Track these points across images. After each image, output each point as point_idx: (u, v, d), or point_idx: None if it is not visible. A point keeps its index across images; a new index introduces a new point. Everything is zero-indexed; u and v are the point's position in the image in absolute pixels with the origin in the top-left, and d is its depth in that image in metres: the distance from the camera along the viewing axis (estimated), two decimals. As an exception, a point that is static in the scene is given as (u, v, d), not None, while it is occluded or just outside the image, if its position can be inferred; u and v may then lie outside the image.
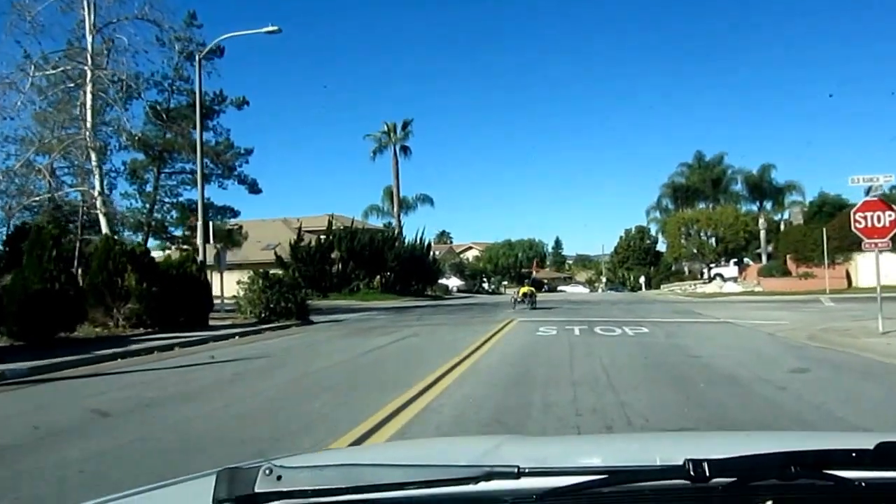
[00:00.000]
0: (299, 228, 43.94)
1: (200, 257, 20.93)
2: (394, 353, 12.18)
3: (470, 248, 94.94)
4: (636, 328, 16.80)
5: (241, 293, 22.62)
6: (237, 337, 17.29)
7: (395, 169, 52.26)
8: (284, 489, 1.05)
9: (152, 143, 26.76)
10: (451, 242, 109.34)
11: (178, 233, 28.62)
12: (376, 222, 54.46)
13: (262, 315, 21.64)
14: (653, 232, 79.19)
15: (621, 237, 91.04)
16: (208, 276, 22.15)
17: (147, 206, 26.71)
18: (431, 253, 51.21)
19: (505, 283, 74.49)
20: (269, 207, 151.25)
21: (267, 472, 1.06)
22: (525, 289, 28.04)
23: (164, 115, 25.74)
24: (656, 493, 1.13)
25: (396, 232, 49.02)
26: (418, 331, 17.49)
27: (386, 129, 53.03)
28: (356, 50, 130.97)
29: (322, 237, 44.09)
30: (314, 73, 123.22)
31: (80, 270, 20.39)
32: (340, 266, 43.89)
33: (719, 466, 1.08)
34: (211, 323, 20.77)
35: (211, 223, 22.71)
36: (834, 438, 2.15)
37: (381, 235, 45.18)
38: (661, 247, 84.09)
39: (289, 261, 42.62)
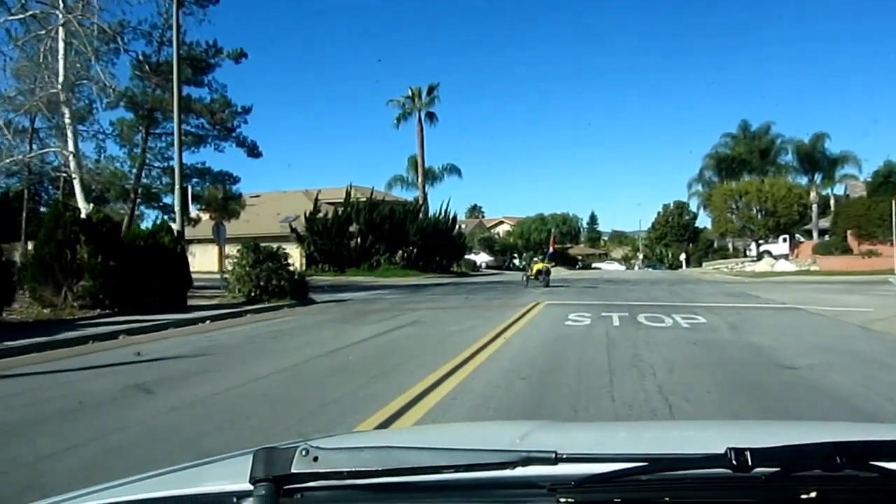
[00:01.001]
0: (316, 199, 41.27)
1: (177, 226, 18.14)
2: (371, 353, 9.28)
3: (501, 222, 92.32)
4: (689, 317, 13.72)
5: (230, 268, 19.96)
6: (208, 322, 14.67)
7: (419, 137, 49.38)
8: (321, 470, 1.06)
9: (139, 101, 24.04)
10: (483, 216, 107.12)
11: (170, 201, 25.95)
12: (402, 194, 51.87)
13: (252, 294, 19.01)
14: (693, 207, 75.30)
15: (659, 213, 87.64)
16: (190, 250, 19.55)
17: (135, 171, 24.03)
18: (457, 226, 48.35)
19: (536, 259, 71.25)
20: (292, 179, 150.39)
21: (304, 452, 1.06)
22: (539, 265, 26.55)
23: (152, 69, 22.93)
24: (697, 482, 1.13)
25: (420, 204, 45.99)
26: (423, 316, 14.67)
27: (410, 94, 50.03)
28: (381, 15, 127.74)
29: (340, 209, 41.37)
30: (347, 39, 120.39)
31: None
32: (359, 240, 41.47)
33: (762, 456, 1.07)
34: (192, 303, 18.44)
35: (189, 188, 19.87)
36: (883, 430, 2.06)
37: (403, 208, 42.37)
38: (701, 222, 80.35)
39: (305, 234, 40.13)
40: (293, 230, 39.83)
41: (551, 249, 32.37)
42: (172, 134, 25.09)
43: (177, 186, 18.79)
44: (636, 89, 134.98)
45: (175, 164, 19.27)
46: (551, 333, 11.17)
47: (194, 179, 25.46)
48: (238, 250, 20.04)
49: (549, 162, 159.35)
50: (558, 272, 58.75)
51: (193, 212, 25.70)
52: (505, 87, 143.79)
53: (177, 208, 18.62)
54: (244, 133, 25.41)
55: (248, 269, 19.33)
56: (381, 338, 11.09)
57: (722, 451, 1.07)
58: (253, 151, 25.34)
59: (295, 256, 42.76)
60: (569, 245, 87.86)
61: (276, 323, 14.30)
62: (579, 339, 10.26)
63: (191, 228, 32.32)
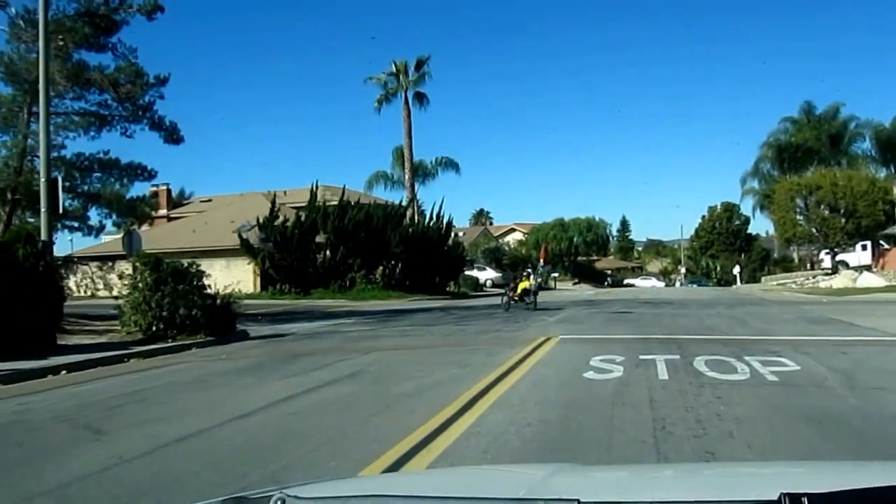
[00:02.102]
0: (273, 201, 38.50)
1: (44, 235, 15.16)
2: (249, 440, 6.46)
3: (512, 230, 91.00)
4: (771, 360, 10.80)
5: (125, 292, 17.12)
6: (63, 373, 12.05)
7: (406, 123, 46.62)
8: None
9: (19, 71, 21.18)
10: (491, 223, 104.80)
11: (68, 204, 22.95)
12: (387, 196, 49.17)
13: (155, 327, 16.17)
14: (746, 209, 72.20)
15: (703, 217, 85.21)
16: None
17: (13, 163, 21.13)
18: (452, 234, 45.83)
19: (555, 274, 68.50)
20: (258, 181, 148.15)
21: (279, 502, 1.07)
22: (525, 283, 25.70)
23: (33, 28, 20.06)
24: None
25: (405, 206, 43.18)
26: (375, 361, 11.86)
27: (394, 69, 47.26)
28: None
29: (304, 215, 38.58)
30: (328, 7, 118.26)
31: None
32: (328, 253, 38.89)
33: (820, 501, 1.10)
34: (70, 341, 16.13)
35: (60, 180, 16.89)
36: None
37: (383, 211, 39.52)
38: (755, 228, 77.51)
39: (259, 246, 37.25)
40: (243, 241, 36.94)
41: (542, 262, 30.47)
42: (66, 113, 22.36)
43: (42, 177, 15.83)
44: (674, 68, 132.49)
45: (40, 151, 16.24)
46: (561, 398, 8.12)
47: (95, 174, 22.51)
48: (134, 267, 17.13)
49: (571, 157, 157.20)
50: (581, 291, 56.29)
51: (95, 218, 22.78)
52: (514, 67, 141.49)
53: (42, 208, 15.62)
54: (161, 112, 22.43)
55: (146, 293, 16.41)
56: (287, 406, 8.06)
57: (775, 496, 1.14)
58: (172, 136, 22.47)
59: (247, 275, 40.33)
60: (595, 257, 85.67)
61: (156, 375, 11.38)
62: (605, 412, 7.19)
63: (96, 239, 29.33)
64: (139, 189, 26.09)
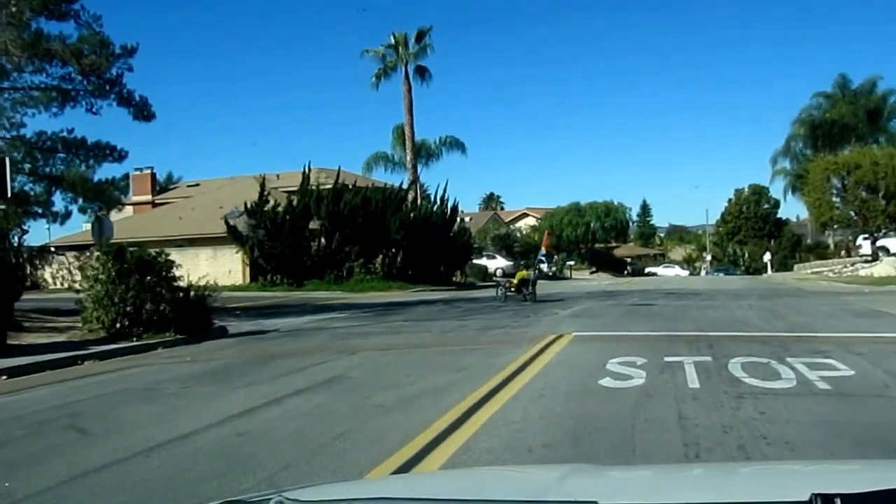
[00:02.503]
0: (262, 184, 37.62)
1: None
2: (175, 473, 5.38)
3: (524, 214, 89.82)
4: (818, 362, 9.89)
5: (86, 285, 16.29)
6: (3, 378, 11.26)
7: (406, 98, 45.45)
8: None
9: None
10: (501, 208, 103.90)
11: (29, 188, 22.08)
12: (386, 179, 48.19)
13: (119, 324, 15.36)
14: (776, 192, 70.98)
15: (730, 200, 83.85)
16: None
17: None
18: (457, 219, 44.80)
19: (571, 262, 67.71)
20: (244, 164, 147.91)
21: None
22: (523, 273, 25.64)
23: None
24: None
25: (405, 189, 42.25)
26: (357, 365, 11.09)
27: (393, 41, 46.16)
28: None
29: (296, 199, 37.72)
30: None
31: None
32: (323, 240, 38.05)
33: (853, 502, 1.10)
34: (26, 340, 15.48)
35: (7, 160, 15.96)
36: None
37: (382, 195, 38.54)
38: (786, 212, 76.35)
39: (247, 234, 36.43)
40: (230, 228, 36.07)
41: (543, 250, 30.66)
42: (25, 88, 21.48)
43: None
44: (697, 41, 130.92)
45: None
46: (571, 412, 7.17)
47: (59, 154, 21.60)
48: (96, 257, 16.26)
49: (587, 137, 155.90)
50: (599, 280, 55.28)
51: (60, 203, 21.95)
52: (523, 40, 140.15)
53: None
54: (130, 86, 21.48)
55: (108, 286, 15.54)
56: (241, 423, 7.14)
57: (806, 497, 1.14)
58: (142, 112, 21.53)
59: (236, 265, 39.54)
60: (614, 244, 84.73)
61: (106, 382, 10.54)
62: (625, 433, 6.22)
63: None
64: (110, 172, 25.16)
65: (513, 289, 25.05)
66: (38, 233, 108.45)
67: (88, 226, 60.22)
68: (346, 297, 32.10)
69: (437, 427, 6.52)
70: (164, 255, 16.31)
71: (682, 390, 8.02)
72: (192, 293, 16.76)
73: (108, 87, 21.56)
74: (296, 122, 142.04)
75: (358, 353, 12.26)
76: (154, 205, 54.59)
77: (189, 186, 58.61)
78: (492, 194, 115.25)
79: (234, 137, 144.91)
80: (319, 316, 21.28)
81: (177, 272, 16.43)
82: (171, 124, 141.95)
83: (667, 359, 10.28)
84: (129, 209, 56.24)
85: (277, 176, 51.81)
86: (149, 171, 55.86)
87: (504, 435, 6.25)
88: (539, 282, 27.23)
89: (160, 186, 64.87)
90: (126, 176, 22.95)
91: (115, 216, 58.98)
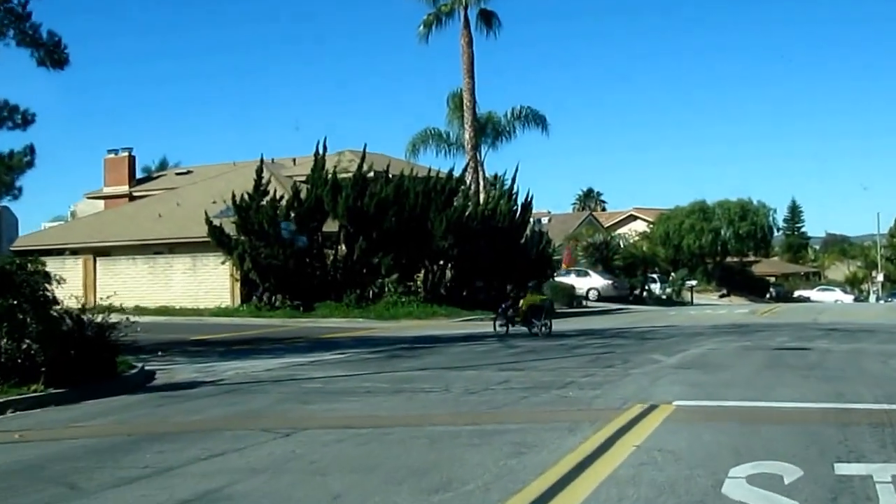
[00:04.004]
0: (259, 170, 35.83)
1: None
2: None
3: (631, 217, 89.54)
4: None
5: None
6: None
7: (466, 54, 42.73)
8: None
9: None
10: (604, 208, 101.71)
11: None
12: (438, 166, 46.03)
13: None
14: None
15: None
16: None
17: None
18: (530, 221, 42.60)
19: (693, 282, 64.69)
20: (259, 148, 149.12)
21: None
22: (534, 297, 25.36)
23: None
24: None
25: (456, 176, 40.03)
26: (270, 466, 8.71)
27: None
28: None
29: (305, 189, 36.22)
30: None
31: None
32: (343, 247, 36.69)
33: None
34: None
35: None
36: None
37: (425, 186, 36.20)
38: None
39: (238, 238, 34.38)
40: (213, 229, 34.02)
41: (564, 267, 29.55)
42: None
43: None
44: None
45: None
46: None
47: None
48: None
49: (715, 120, 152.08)
50: (732, 307, 51.93)
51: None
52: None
53: None
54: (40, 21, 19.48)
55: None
56: None
57: None
58: (52, 56, 19.40)
59: (222, 280, 37.49)
60: (752, 258, 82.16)
61: None
62: None
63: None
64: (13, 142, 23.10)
65: (518, 319, 24.57)
66: None
67: (50, 224, 58.96)
68: (368, 326, 31.49)
69: None
70: (38, 265, 13.94)
71: None
72: (86, 321, 14.60)
73: (5, 20, 19.51)
74: (330, 97, 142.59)
75: (295, 436, 9.68)
76: (131, 197, 54.00)
77: (179, 174, 57.64)
78: (590, 191, 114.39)
79: (255, 118, 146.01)
80: (306, 358, 20.01)
81: (56, 290, 14.11)
82: (181, 102, 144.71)
83: (840, 466, 7.50)
84: (99, 203, 55.14)
85: (294, 161, 50.21)
86: (126, 154, 54.54)
87: None
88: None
89: (150, 172, 63.81)
90: (31, 151, 20.51)
91: (82, 209, 58.45)
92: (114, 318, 15.01)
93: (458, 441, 8.97)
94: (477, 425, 9.99)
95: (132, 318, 15.93)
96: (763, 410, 10.81)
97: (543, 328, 23.93)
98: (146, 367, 16.45)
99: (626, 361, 16.82)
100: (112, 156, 55.05)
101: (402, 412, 11.35)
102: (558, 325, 31.22)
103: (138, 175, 59.78)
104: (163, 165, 71.10)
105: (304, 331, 28.82)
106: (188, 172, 56.85)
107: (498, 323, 25.24)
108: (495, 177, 45.66)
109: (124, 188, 54.42)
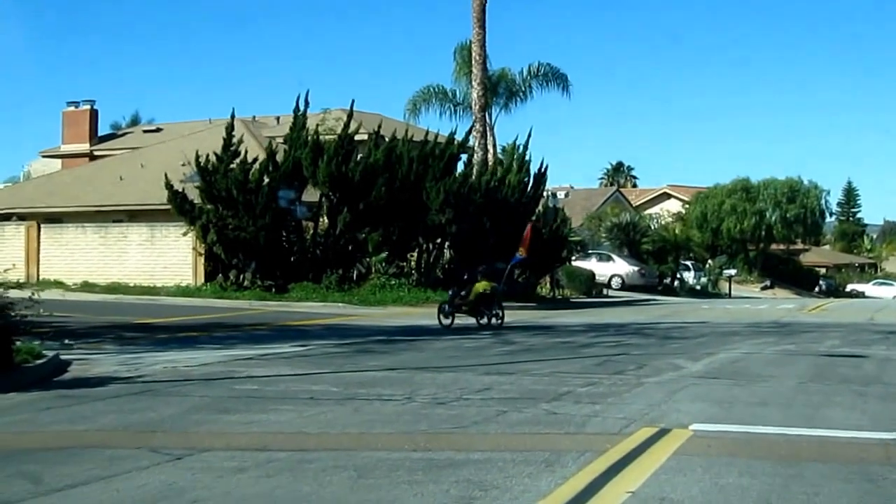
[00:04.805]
0: (229, 126, 35.27)
1: None
2: None
3: (664, 195, 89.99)
4: None
5: None
6: None
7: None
8: None
9: None
10: (635, 185, 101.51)
11: None
12: (441, 129, 45.29)
13: None
14: None
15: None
16: None
17: None
18: (545, 195, 41.57)
19: (732, 271, 64.04)
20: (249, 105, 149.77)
21: None
22: (483, 285, 25.30)
23: None
24: None
25: (457, 140, 38.93)
26: None
27: None
28: None
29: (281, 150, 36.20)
30: None
31: None
32: (324, 219, 36.03)
33: None
34: None
35: None
36: None
37: (421, 150, 35.56)
38: None
39: (200, 203, 33.42)
40: (174, 195, 33.04)
41: (521, 253, 29.32)
42: None
43: None
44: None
45: None
46: None
47: None
48: None
49: (760, 89, 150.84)
50: (773, 301, 50.91)
51: None
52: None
53: None
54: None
55: None
56: None
57: None
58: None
59: (184, 254, 36.64)
60: (800, 245, 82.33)
61: None
62: None
63: None
64: None
65: (465, 308, 24.85)
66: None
67: (-2, 186, 57.89)
68: (348, 313, 31.15)
69: None
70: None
71: None
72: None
73: None
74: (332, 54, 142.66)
75: (188, 459, 8.53)
76: (91, 157, 53.70)
77: (147, 132, 57.49)
78: (619, 165, 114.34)
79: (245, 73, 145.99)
80: (256, 350, 19.22)
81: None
82: (158, 53, 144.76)
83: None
84: (56, 163, 54.53)
85: (278, 119, 49.87)
86: (87, 108, 53.96)
87: None
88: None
89: (117, 129, 63.21)
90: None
91: (38, 169, 57.72)
92: (12, 294, 14.01)
93: (395, 476, 7.60)
94: (428, 451, 8.65)
95: (36, 296, 14.78)
96: (807, 442, 9.39)
97: (495, 319, 24.45)
98: (61, 357, 15.33)
99: (641, 367, 15.77)
100: (72, 108, 54.73)
101: (339, 429, 10.03)
102: (570, 317, 30.46)
103: (105, 132, 59.72)
104: (134, 122, 70.91)
105: (272, 316, 28.55)
106: (157, 130, 56.86)
107: (441, 313, 25.09)
108: (513, 146, 44.81)
109: (84, 146, 54.30)
